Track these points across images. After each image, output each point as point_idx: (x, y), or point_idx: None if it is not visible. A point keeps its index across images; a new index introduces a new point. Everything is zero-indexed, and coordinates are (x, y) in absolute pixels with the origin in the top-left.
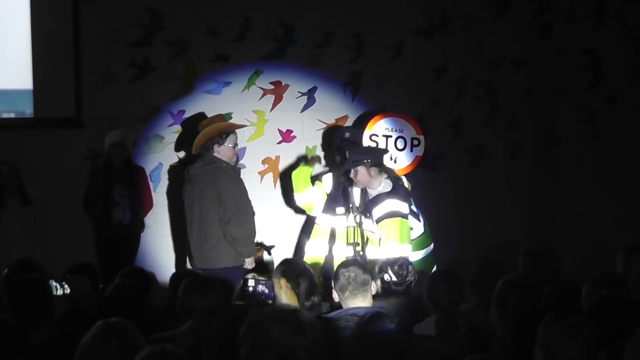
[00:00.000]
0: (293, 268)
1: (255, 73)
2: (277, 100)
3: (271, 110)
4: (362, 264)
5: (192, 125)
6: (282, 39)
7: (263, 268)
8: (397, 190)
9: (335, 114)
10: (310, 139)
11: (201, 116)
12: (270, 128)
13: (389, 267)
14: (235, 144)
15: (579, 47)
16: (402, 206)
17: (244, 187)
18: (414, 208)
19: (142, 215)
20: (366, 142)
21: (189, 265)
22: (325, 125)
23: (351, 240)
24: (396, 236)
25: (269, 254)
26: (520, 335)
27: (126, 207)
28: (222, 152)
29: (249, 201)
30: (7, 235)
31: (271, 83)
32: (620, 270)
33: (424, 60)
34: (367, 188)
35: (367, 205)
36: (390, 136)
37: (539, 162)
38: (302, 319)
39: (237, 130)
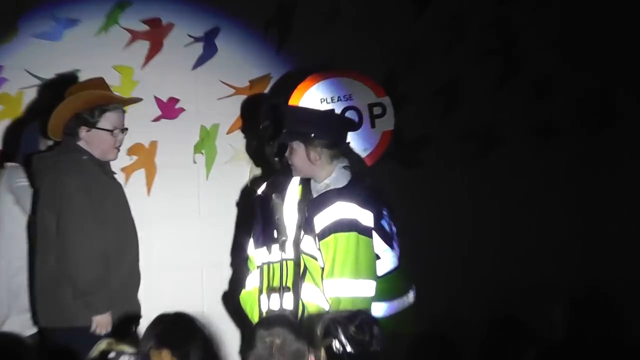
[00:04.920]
0: (175, 330)
1: (118, 6)
2: (155, 49)
3: (144, 66)
4: (293, 323)
5: (53, 94)
6: None
7: (123, 330)
8: (355, 188)
9: (250, 71)
10: (207, 113)
11: (67, 78)
12: (143, 95)
13: (340, 329)
14: (116, 128)
15: None
16: (362, 214)
17: (119, 193)
18: (386, 224)
19: None
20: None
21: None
22: (233, 91)
23: (276, 283)
24: (347, 264)
25: None
26: None
27: None
28: (91, 138)
29: (125, 218)
30: None
31: (144, 22)
32: None
33: None
34: (311, 180)
35: (309, 209)
36: (332, 110)
37: (586, 153)
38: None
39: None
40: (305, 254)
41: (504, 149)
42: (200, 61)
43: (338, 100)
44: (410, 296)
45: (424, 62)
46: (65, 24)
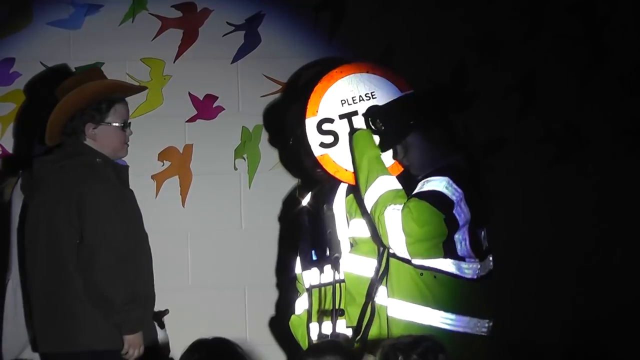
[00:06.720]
0: (214, 358)
1: None
2: (189, 38)
3: (177, 59)
4: (346, 351)
5: (45, 90)
6: None
7: (154, 355)
8: (461, 172)
9: (298, 65)
10: (250, 112)
11: (61, 72)
12: (176, 92)
13: (401, 357)
14: (126, 122)
15: None
16: (453, 193)
17: (134, 205)
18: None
19: None
20: (314, 132)
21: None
22: (279, 87)
23: (328, 306)
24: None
25: (161, 326)
26: None
27: None
28: (100, 136)
29: (142, 232)
30: None
31: (176, 7)
32: None
33: None
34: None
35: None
36: (354, 113)
37: None
38: None
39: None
40: (353, 237)
41: (588, 152)
42: (242, 53)
43: (360, 101)
44: (486, 325)
45: (497, 53)
46: (86, 10)
